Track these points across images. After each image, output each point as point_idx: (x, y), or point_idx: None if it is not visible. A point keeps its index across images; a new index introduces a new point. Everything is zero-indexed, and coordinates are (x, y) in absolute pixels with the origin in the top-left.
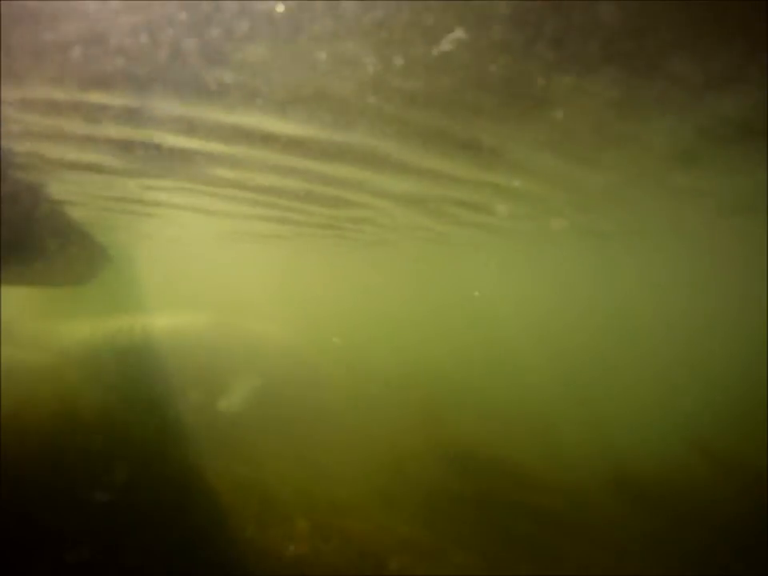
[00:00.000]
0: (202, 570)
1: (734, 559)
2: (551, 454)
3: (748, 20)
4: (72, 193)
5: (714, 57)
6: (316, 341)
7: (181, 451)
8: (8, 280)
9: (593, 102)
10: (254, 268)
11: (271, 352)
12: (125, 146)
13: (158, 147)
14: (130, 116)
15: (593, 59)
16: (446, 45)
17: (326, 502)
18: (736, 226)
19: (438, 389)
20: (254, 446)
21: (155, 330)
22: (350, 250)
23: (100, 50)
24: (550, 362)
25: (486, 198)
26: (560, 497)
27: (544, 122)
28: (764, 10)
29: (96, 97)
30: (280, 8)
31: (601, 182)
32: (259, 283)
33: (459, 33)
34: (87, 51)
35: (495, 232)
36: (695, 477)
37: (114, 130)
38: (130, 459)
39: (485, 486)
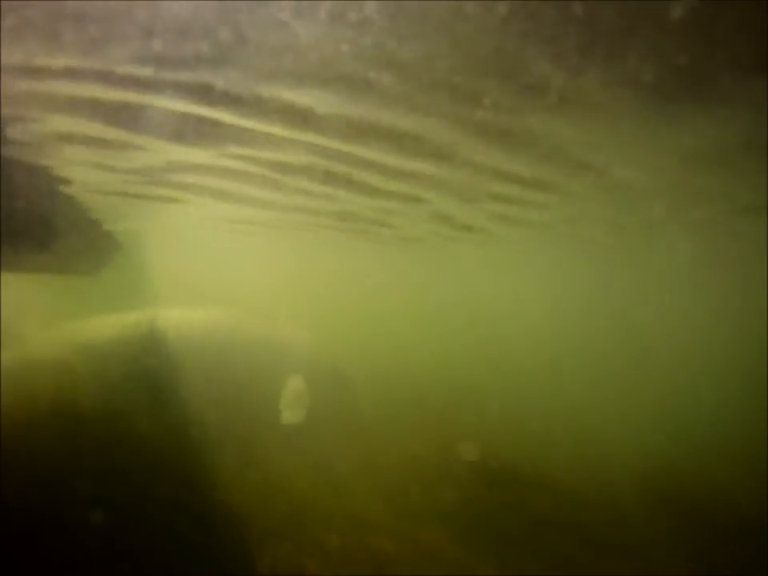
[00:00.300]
0: None
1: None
2: (572, 460)
3: None
4: (81, 178)
5: None
6: (333, 341)
7: (191, 456)
8: (15, 267)
9: None
10: (271, 262)
11: (287, 353)
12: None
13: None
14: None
15: None
16: None
17: (346, 516)
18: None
19: (456, 392)
20: (268, 453)
21: (166, 327)
22: (369, 248)
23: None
24: (564, 363)
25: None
26: (585, 506)
27: None
28: None
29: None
30: None
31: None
32: (275, 278)
33: None
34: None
35: (513, 229)
36: (713, 482)
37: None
38: (136, 463)
39: (510, 495)
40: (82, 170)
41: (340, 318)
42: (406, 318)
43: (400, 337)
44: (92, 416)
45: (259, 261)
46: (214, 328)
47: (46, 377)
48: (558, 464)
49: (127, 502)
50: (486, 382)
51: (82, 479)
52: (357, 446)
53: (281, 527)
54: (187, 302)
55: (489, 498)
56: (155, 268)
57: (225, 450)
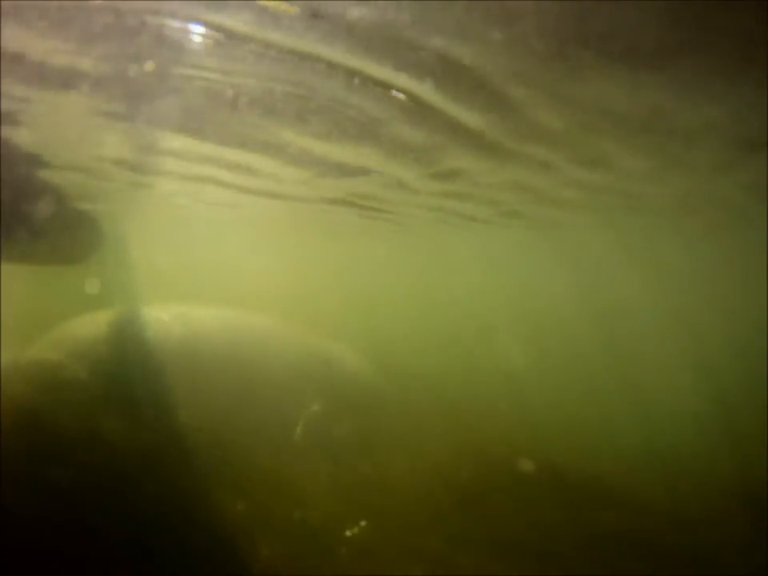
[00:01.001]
0: None
1: None
2: (629, 468)
3: None
4: (60, 158)
5: None
6: (339, 339)
7: (197, 469)
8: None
9: None
10: (260, 248)
11: (295, 356)
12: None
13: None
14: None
15: None
16: None
17: (386, 546)
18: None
19: (493, 398)
20: (289, 473)
21: (157, 325)
22: (363, 234)
23: None
24: (565, 359)
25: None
26: (662, 520)
27: None
28: None
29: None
30: None
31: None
32: (264, 266)
33: None
34: None
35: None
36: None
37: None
38: (123, 471)
39: (574, 513)
40: (62, 149)
41: (339, 310)
42: (409, 309)
43: (405, 331)
44: (77, 420)
45: (248, 246)
46: (210, 327)
47: (30, 379)
48: (635, 474)
49: (113, 506)
50: (500, 380)
51: (62, 487)
52: (385, 460)
53: (307, 557)
54: (176, 295)
55: (584, 527)
56: (141, 258)
57: (236, 464)
